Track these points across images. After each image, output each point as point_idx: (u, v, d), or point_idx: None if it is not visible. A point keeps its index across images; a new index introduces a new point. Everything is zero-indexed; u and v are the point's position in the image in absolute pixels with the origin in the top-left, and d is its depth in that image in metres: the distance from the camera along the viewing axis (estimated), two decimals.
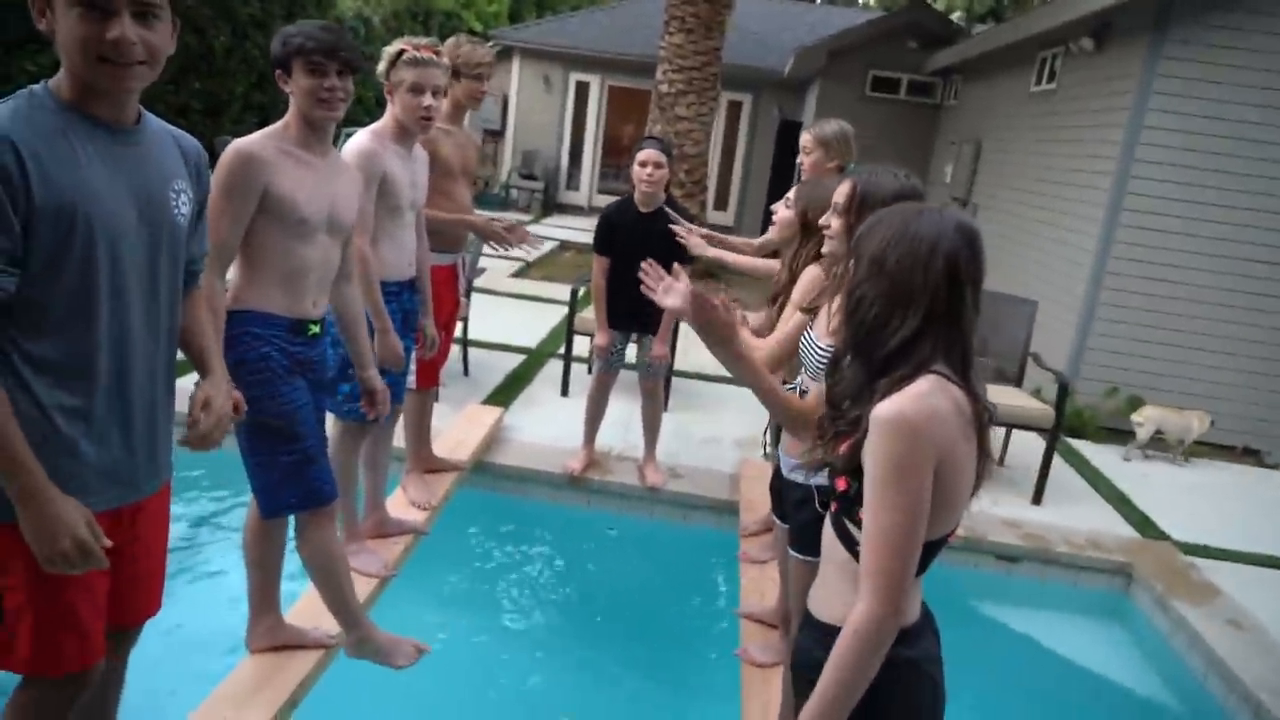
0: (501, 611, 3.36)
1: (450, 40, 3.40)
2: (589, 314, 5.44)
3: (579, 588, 3.59)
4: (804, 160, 3.39)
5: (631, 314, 3.87)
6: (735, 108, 13.92)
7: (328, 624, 2.65)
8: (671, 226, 3.35)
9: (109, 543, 1.47)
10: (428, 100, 2.76)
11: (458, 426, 4.29)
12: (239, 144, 2.08)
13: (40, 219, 1.33)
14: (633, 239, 3.74)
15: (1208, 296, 5.72)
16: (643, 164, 3.72)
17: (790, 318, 2.40)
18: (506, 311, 7.07)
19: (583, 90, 14.38)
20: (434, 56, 2.78)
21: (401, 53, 2.74)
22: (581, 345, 5.63)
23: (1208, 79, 5.43)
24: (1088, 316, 5.85)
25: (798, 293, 2.42)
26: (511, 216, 3.74)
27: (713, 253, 3.34)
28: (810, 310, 2.27)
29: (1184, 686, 3.33)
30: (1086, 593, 3.90)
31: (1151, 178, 5.58)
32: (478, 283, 6.55)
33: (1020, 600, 3.87)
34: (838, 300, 2.14)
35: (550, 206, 14.33)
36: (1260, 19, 5.34)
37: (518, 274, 8.98)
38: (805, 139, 3.37)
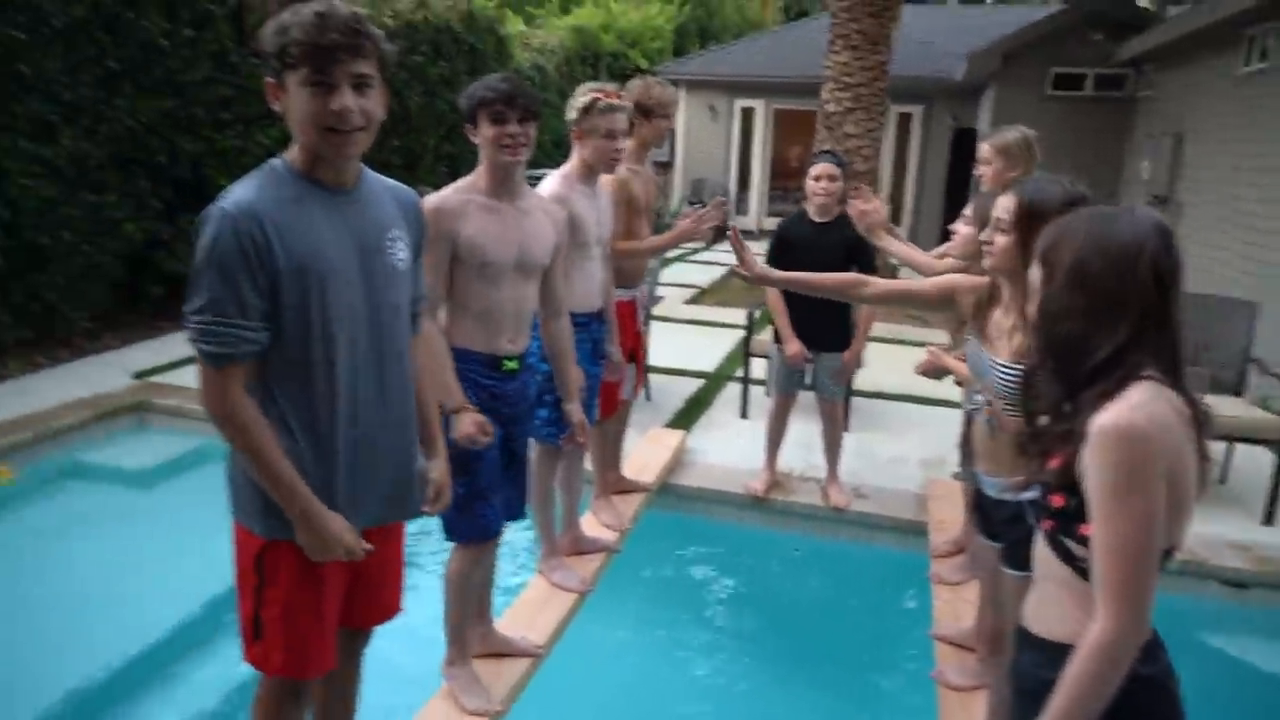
0: (690, 631, 3.46)
1: (638, 83, 3.57)
2: (765, 336, 5.51)
3: (766, 608, 3.63)
4: (984, 171, 3.31)
5: (809, 332, 3.90)
6: (905, 120, 13.58)
7: (534, 634, 2.86)
8: (853, 200, 3.29)
9: (370, 547, 1.72)
10: (620, 144, 2.96)
11: (642, 449, 4.46)
12: (430, 199, 2.29)
13: (283, 279, 1.55)
14: (809, 250, 3.77)
15: None
16: (816, 178, 3.77)
17: (929, 282, 2.40)
18: (683, 337, 7.25)
19: (748, 115, 14.52)
20: (620, 101, 2.97)
21: (595, 101, 2.92)
22: (758, 368, 5.70)
23: None
24: None
25: (945, 277, 2.39)
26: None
27: (895, 247, 3.31)
28: (976, 326, 2.23)
29: None
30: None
31: None
32: (655, 310, 6.77)
33: (1254, 631, 3.54)
34: (1011, 318, 2.11)
35: (720, 233, 14.48)
36: None
37: (692, 300, 9.16)
38: (984, 149, 3.30)
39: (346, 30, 1.51)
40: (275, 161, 1.63)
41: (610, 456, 3.91)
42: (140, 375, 5.70)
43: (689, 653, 3.30)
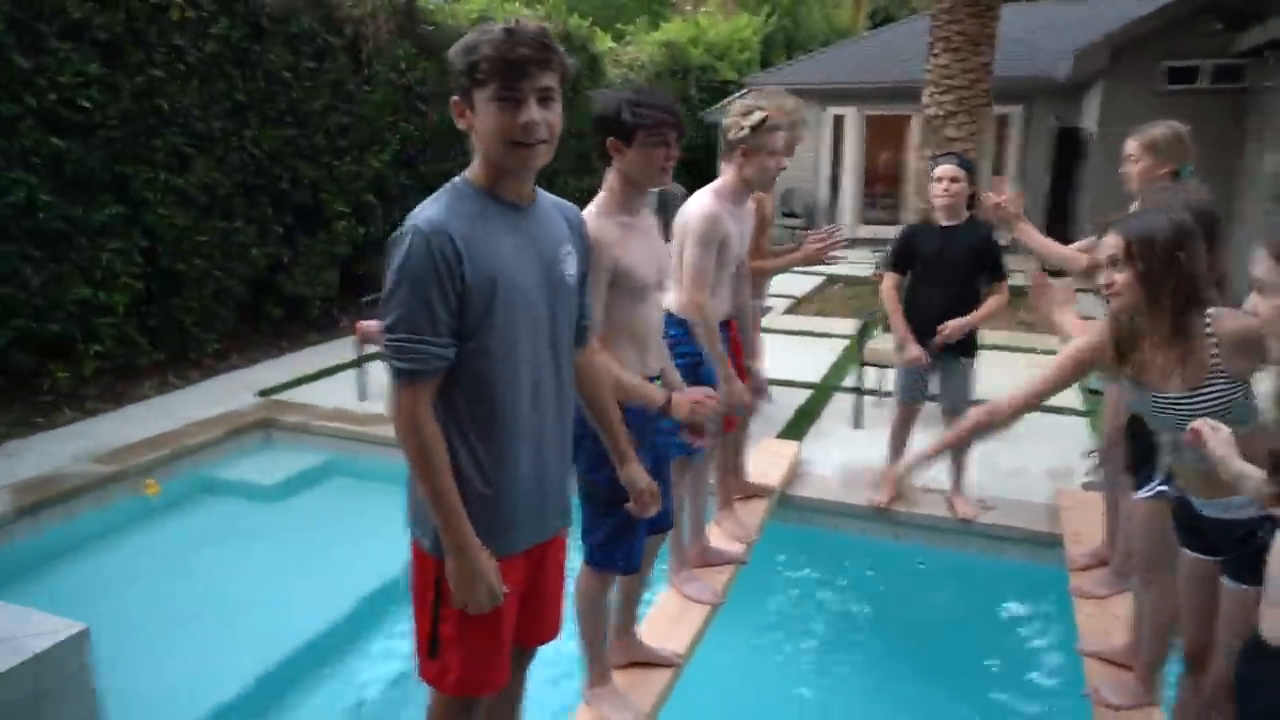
0: (819, 645, 3.42)
1: (776, 95, 3.55)
2: (878, 344, 5.43)
3: (895, 623, 3.57)
4: (1131, 170, 3.19)
5: (931, 333, 3.82)
6: (1001, 121, 13.19)
7: (672, 642, 2.88)
8: (989, 195, 3.24)
9: (507, 589, 1.73)
10: (784, 161, 3.00)
11: (758, 459, 4.44)
12: (590, 227, 2.22)
13: (471, 294, 1.60)
14: (938, 255, 3.72)
15: None
16: (939, 179, 3.72)
17: (1063, 364, 2.30)
18: (784, 348, 7.20)
19: (839, 123, 14.35)
20: (784, 118, 3.01)
21: (766, 119, 2.93)
22: (871, 377, 5.61)
23: None
24: None
25: (1074, 348, 2.29)
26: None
27: (1034, 239, 3.25)
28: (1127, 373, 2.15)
29: None
30: None
31: None
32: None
33: None
34: (1163, 353, 2.03)
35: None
36: None
37: (791, 310, 9.10)
38: (1131, 146, 3.18)
39: (534, 44, 1.56)
40: (457, 180, 1.69)
41: (733, 465, 3.92)
42: (264, 393, 5.99)
43: (820, 667, 3.27)
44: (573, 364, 1.86)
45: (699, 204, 2.92)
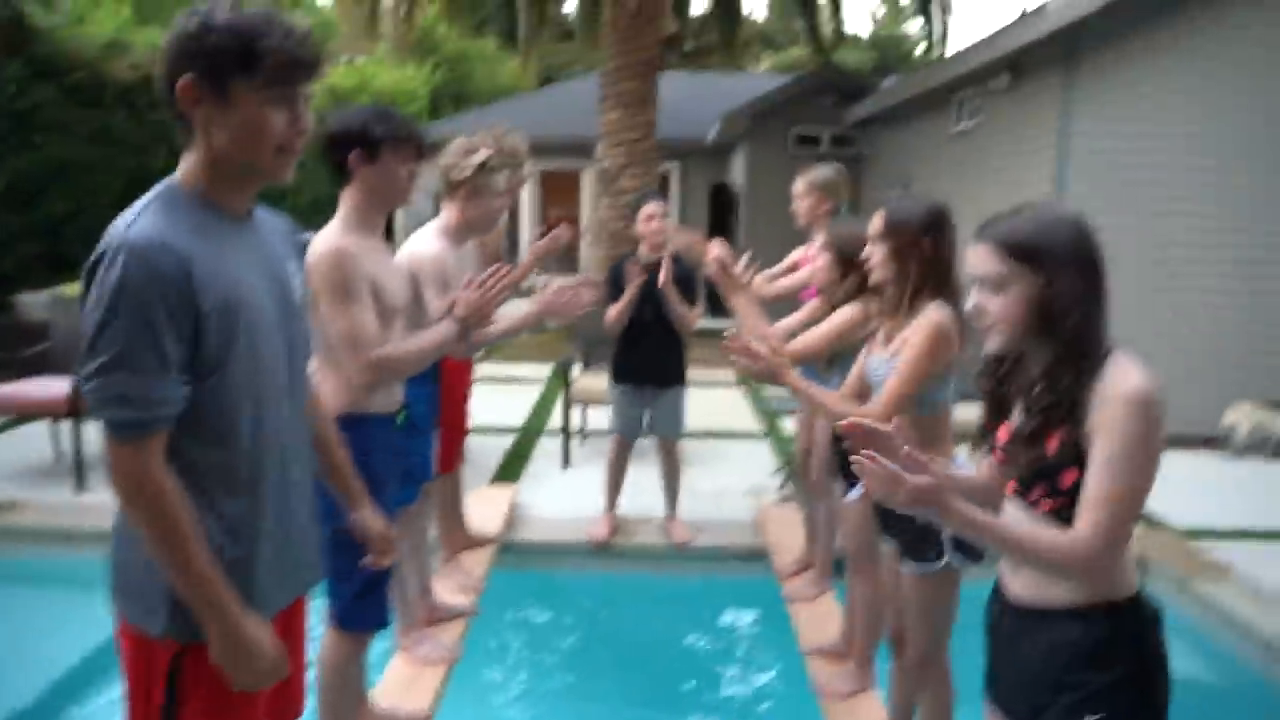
0: (555, 686, 3.31)
1: (495, 133, 3.46)
2: (585, 383, 5.51)
3: (627, 653, 3.57)
4: (799, 205, 3.56)
5: (648, 371, 3.94)
6: (663, 178, 14.34)
7: (410, 704, 2.62)
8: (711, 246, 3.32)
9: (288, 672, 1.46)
10: (506, 202, 2.88)
11: (473, 509, 4.25)
12: (335, 243, 2.08)
13: (205, 321, 1.31)
14: (642, 289, 3.81)
15: (1160, 300, 6.09)
16: (648, 217, 3.85)
17: (833, 322, 2.57)
18: (480, 395, 7.05)
19: None
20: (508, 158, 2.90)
21: (490, 158, 2.78)
22: (577, 417, 5.68)
23: (1124, 99, 5.90)
24: None
25: (839, 318, 2.58)
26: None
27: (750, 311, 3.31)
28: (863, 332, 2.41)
29: (1220, 662, 3.47)
30: None
31: (1085, 194, 5.97)
32: None
33: None
34: (890, 322, 2.29)
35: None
36: (1164, 36, 5.86)
37: (481, 358, 8.99)
38: (798, 186, 3.55)
39: (316, 47, 1.38)
40: (167, 186, 1.38)
41: (453, 515, 3.71)
42: None
43: (564, 703, 3.16)
44: (306, 394, 1.61)
45: (427, 244, 2.75)
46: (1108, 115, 5.93)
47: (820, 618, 3.37)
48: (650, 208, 3.86)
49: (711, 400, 6.90)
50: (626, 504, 4.49)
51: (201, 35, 1.31)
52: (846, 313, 2.63)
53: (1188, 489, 5.14)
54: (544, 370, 8.32)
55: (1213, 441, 6.16)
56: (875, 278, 2.28)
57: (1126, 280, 5.96)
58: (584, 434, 5.81)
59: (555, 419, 5.84)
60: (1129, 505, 1.33)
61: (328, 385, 2.08)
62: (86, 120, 7.56)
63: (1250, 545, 4.26)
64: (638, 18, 8.59)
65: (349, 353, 2.06)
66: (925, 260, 2.17)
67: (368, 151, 2.13)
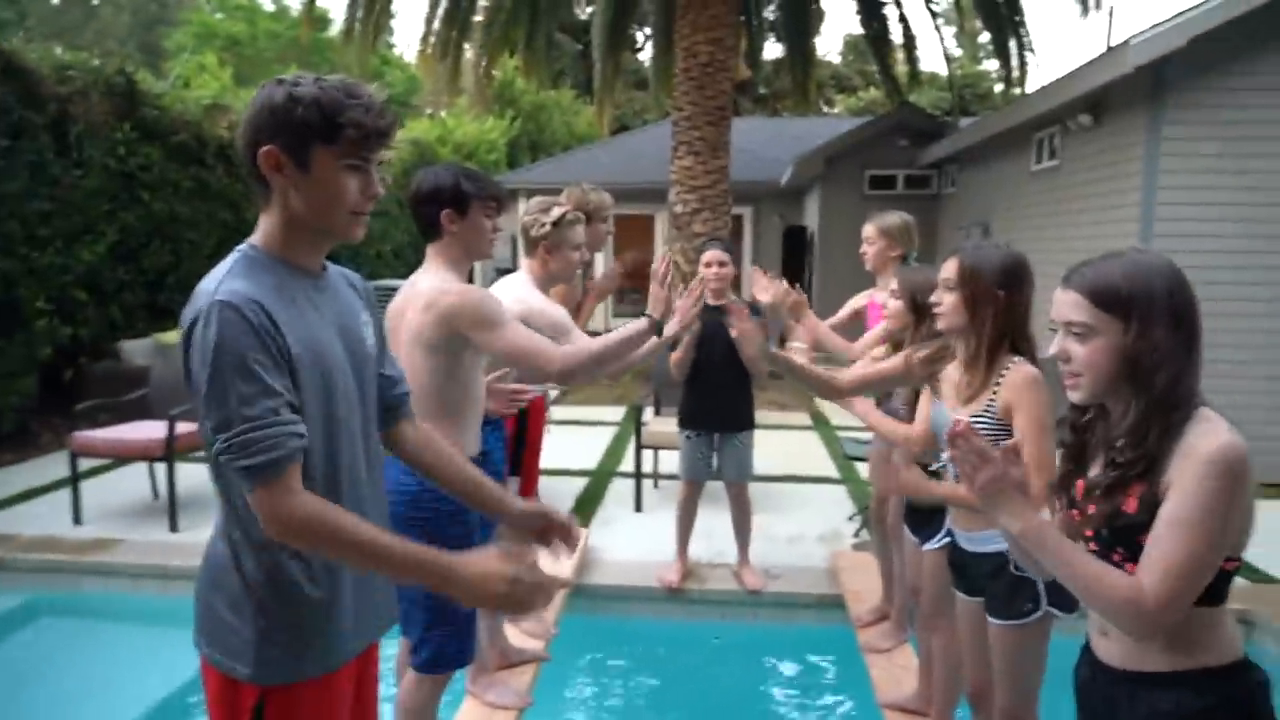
0: None
1: (575, 189, 3.63)
2: (656, 427, 5.52)
3: (697, 701, 3.51)
4: (867, 250, 3.54)
5: (713, 415, 3.94)
6: (737, 220, 14.41)
7: None
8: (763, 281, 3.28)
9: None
10: (585, 255, 3.03)
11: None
12: (456, 288, 2.23)
13: (299, 367, 1.39)
14: (705, 331, 3.84)
15: (1255, 341, 5.80)
16: (708, 264, 3.88)
17: (893, 361, 2.54)
18: (553, 438, 7.13)
19: None
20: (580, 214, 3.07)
21: (565, 214, 2.94)
22: (649, 460, 5.68)
23: (1212, 137, 5.69)
24: None
25: (888, 365, 2.56)
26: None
27: (821, 331, 3.41)
28: (931, 385, 2.37)
29: None
30: None
31: (1174, 235, 5.75)
32: None
33: None
34: (961, 371, 2.24)
35: None
36: (1256, 77, 5.65)
37: (555, 401, 9.10)
38: (867, 230, 3.53)
39: (391, 117, 1.47)
40: (248, 248, 1.47)
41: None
42: None
43: None
44: (380, 442, 1.66)
45: (531, 294, 2.86)
46: (1196, 154, 5.72)
47: (896, 670, 3.26)
48: (710, 254, 3.88)
49: (785, 442, 6.82)
50: (700, 549, 4.46)
51: (289, 108, 1.37)
52: (894, 363, 2.58)
53: None
54: (617, 413, 8.36)
55: None
56: (942, 324, 2.22)
57: (1215, 323, 5.73)
58: (656, 478, 5.80)
59: (628, 462, 5.85)
60: (1197, 571, 1.25)
61: None
62: (187, 178, 8.02)
63: None
64: (708, 67, 8.72)
65: (525, 360, 2.23)
66: (1000, 312, 2.11)
67: (458, 209, 2.27)
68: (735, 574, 4.15)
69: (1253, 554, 4.46)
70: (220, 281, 1.38)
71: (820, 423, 7.91)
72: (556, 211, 2.92)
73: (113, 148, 7.20)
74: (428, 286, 2.23)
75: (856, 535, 4.74)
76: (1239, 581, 4.23)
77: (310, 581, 1.44)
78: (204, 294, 1.37)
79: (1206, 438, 1.28)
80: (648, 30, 20.11)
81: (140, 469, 5.44)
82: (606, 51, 11.87)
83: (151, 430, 4.96)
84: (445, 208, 2.26)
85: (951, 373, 2.28)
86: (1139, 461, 1.32)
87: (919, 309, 2.65)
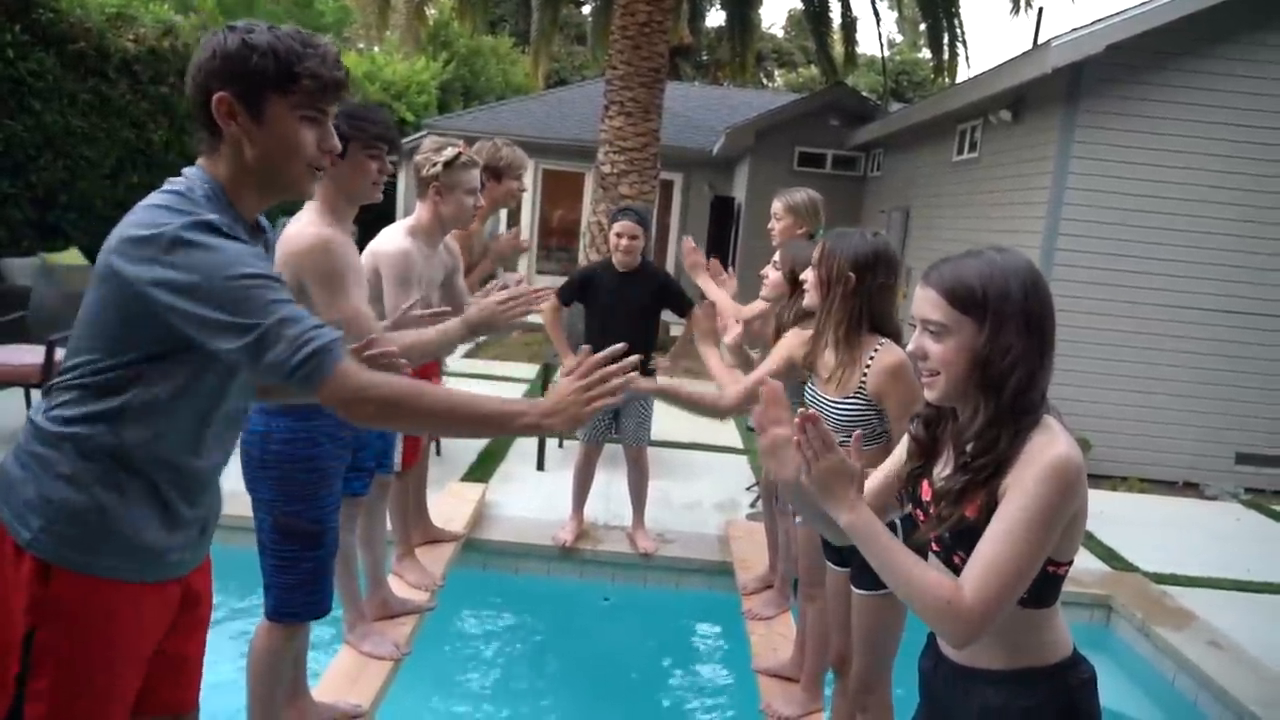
0: (508, 689, 3.29)
1: (487, 143, 3.55)
2: None
3: (583, 659, 3.54)
4: (774, 226, 3.56)
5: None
6: (667, 186, 14.34)
7: (352, 698, 2.59)
8: (690, 248, 3.56)
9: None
10: (478, 200, 2.91)
11: (443, 504, 4.24)
12: (323, 233, 2.09)
13: None
14: (613, 297, 3.86)
15: (1143, 342, 6.10)
16: (619, 234, 3.87)
17: (772, 361, 2.57)
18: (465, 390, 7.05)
19: None
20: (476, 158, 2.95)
21: (459, 155, 2.82)
22: None
23: (1120, 143, 5.92)
24: None
25: (779, 347, 2.58)
26: None
27: (711, 289, 3.48)
28: (807, 367, 2.42)
29: (1177, 709, 3.45)
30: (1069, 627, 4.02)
31: (1078, 234, 5.99)
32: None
33: None
34: (830, 355, 2.29)
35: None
36: (1161, 89, 5.88)
37: (470, 354, 8.98)
38: (776, 206, 3.55)
39: (344, 70, 1.46)
40: (206, 184, 1.39)
41: (414, 510, 3.69)
42: None
43: (514, 708, 3.13)
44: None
45: (391, 241, 2.73)
46: (1105, 156, 5.94)
47: (775, 638, 3.35)
48: (621, 224, 3.87)
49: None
50: (598, 510, 4.48)
51: (243, 55, 1.35)
52: (786, 341, 2.63)
53: (1161, 534, 5.14)
54: (529, 370, 8.31)
55: (1192, 488, 6.17)
56: (805, 301, 2.38)
57: (1112, 322, 6.02)
58: (561, 437, 5.79)
59: None
60: (1017, 577, 1.25)
61: None
62: (85, 90, 7.53)
63: (1216, 593, 4.25)
64: (646, 27, 8.59)
65: (349, 337, 2.04)
66: (849, 293, 2.22)
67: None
68: (629, 536, 4.18)
69: (1116, 542, 4.77)
70: (187, 209, 1.32)
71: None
72: (450, 151, 2.80)
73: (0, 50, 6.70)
74: (290, 228, 2.13)
75: (753, 505, 4.83)
76: (1101, 569, 4.46)
77: (180, 493, 1.44)
78: (167, 216, 1.30)
79: (1045, 446, 1.28)
80: None
81: (15, 394, 5.14)
82: (545, 1, 11.59)
83: (29, 355, 4.69)
84: None
85: (829, 359, 2.33)
86: (987, 468, 1.32)
87: (796, 282, 2.71)
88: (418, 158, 2.84)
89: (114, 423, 1.35)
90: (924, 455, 1.48)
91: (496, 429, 1.51)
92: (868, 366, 2.24)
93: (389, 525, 3.41)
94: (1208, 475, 6.23)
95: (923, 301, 1.38)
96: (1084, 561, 4.47)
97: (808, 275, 2.36)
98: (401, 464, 3.33)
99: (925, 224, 8.85)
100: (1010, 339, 1.31)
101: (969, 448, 1.36)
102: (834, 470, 1.31)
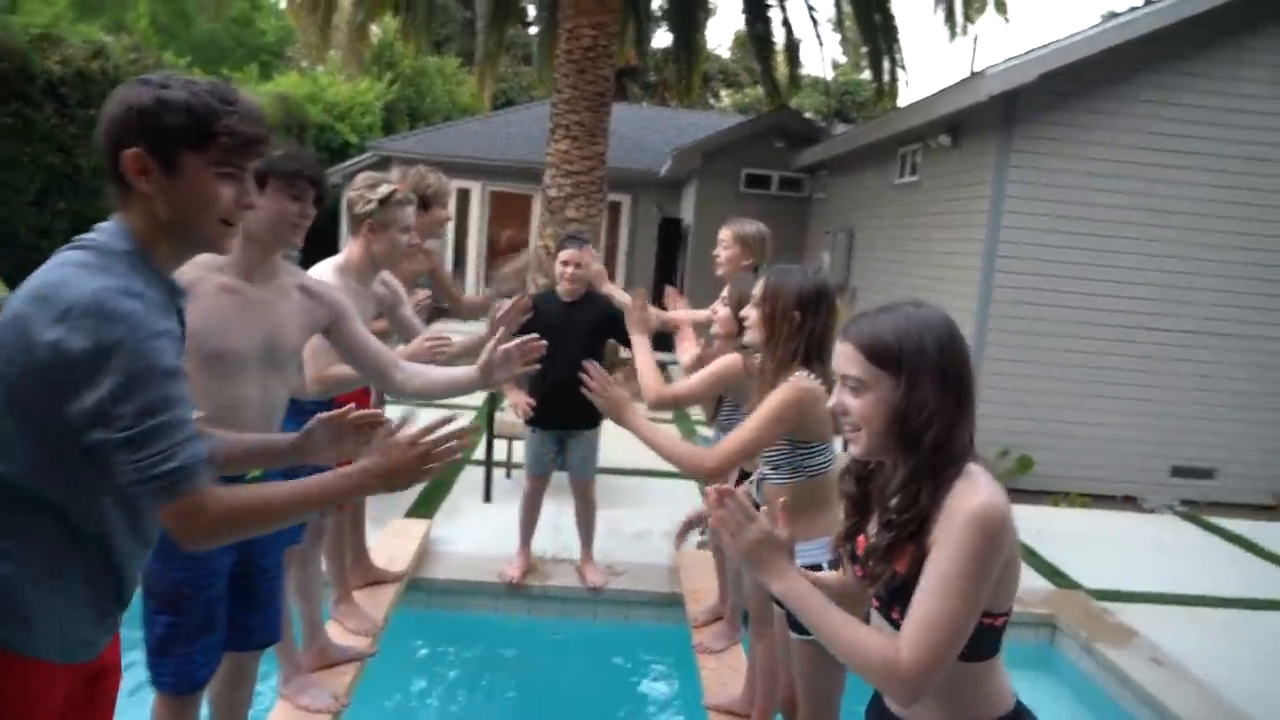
0: None
1: (411, 171, 3.49)
2: (508, 416, 5.42)
3: (531, 699, 3.47)
4: (720, 254, 3.55)
5: (561, 412, 3.87)
6: (614, 208, 14.35)
7: None
8: (615, 296, 3.62)
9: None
10: (413, 237, 2.83)
11: (386, 542, 4.14)
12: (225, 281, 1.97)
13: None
14: (559, 327, 3.79)
15: (1081, 360, 6.25)
16: (565, 263, 3.83)
17: (764, 425, 2.48)
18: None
19: (464, 196, 14.54)
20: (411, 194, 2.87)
21: (394, 192, 2.75)
22: (501, 450, 5.57)
23: (1054, 166, 6.07)
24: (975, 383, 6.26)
25: (770, 404, 2.49)
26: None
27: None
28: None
29: None
30: (1014, 647, 4.04)
31: (1017, 255, 6.12)
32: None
33: None
34: (766, 390, 2.28)
35: (436, 311, 14.24)
36: (1093, 115, 6.05)
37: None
38: (724, 234, 3.54)
39: (265, 126, 1.42)
40: (115, 241, 1.32)
41: (354, 550, 3.59)
42: None
43: None
44: None
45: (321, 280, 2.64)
46: (1039, 180, 6.09)
47: (726, 672, 3.31)
48: (566, 253, 3.83)
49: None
50: (546, 542, 4.41)
51: (156, 112, 1.30)
52: (725, 360, 2.65)
53: (1102, 549, 5.24)
54: (477, 398, 8.19)
55: (1130, 501, 6.31)
56: (747, 338, 2.36)
57: (1051, 342, 6.15)
58: (509, 467, 5.70)
59: (481, 450, 5.71)
60: (953, 632, 1.23)
61: None
62: (8, 113, 7.28)
63: (1156, 608, 4.33)
64: (591, 51, 8.59)
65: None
66: (793, 332, 2.22)
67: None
68: (578, 570, 4.12)
69: (1059, 559, 4.84)
70: (87, 277, 1.24)
71: (680, 417, 7.99)
72: (384, 189, 2.73)
73: None
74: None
75: (703, 533, 4.78)
76: (1045, 586, 4.50)
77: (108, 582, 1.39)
78: (64, 285, 1.23)
79: (966, 496, 1.27)
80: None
81: None
82: (491, 23, 11.53)
83: None
84: None
85: (762, 391, 2.32)
86: (911, 523, 1.31)
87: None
88: (351, 194, 2.76)
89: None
90: (857, 511, 1.48)
91: (343, 496, 1.47)
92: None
93: (325, 568, 3.31)
94: (1145, 489, 6.38)
95: (841, 356, 1.39)
96: (1028, 580, 4.52)
97: (749, 312, 2.34)
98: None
99: (869, 245, 8.97)
100: (926, 394, 1.31)
101: (892, 503, 1.35)
102: (760, 542, 1.29)
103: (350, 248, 2.79)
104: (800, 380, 2.17)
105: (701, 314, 3.52)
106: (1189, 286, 6.23)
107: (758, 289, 2.32)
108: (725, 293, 3.05)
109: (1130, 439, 6.35)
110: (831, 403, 1.41)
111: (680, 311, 3.74)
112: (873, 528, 1.44)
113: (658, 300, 3.87)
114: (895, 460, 1.36)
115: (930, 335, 1.33)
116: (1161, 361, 6.29)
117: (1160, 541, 5.57)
